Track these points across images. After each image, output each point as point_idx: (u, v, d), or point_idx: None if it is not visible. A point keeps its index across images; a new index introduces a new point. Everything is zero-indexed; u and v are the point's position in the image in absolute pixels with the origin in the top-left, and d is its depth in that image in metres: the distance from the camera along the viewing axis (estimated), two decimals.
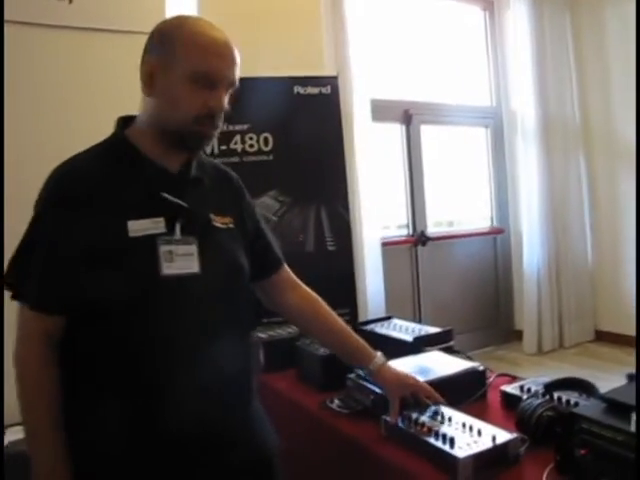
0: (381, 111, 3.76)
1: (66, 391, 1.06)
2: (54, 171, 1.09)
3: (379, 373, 1.32)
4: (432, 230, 4.33)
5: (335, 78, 3.09)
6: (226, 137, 2.94)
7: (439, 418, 1.19)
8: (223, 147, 2.95)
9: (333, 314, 1.37)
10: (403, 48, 4.15)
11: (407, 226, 4.31)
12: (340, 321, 1.37)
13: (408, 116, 4.10)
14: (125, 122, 1.15)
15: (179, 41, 1.05)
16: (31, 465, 1.05)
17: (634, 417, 0.93)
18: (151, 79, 1.07)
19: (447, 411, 1.22)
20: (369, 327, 1.98)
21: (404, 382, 1.30)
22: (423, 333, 1.78)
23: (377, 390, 1.35)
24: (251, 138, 2.99)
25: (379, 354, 1.35)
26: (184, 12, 2.73)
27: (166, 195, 1.09)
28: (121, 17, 2.64)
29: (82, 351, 1.06)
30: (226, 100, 1.10)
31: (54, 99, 2.56)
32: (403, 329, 1.88)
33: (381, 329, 1.93)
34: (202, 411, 1.07)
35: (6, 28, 2.34)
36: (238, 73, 1.10)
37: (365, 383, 1.40)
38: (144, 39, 1.13)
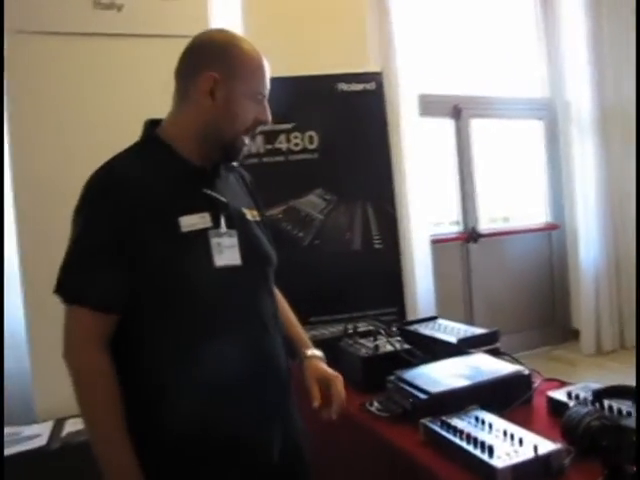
0: (429, 106, 3.69)
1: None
2: (94, 174, 1.13)
3: (307, 363, 1.32)
4: (484, 227, 4.22)
5: (379, 74, 3.04)
6: (271, 136, 2.95)
7: (480, 425, 1.15)
8: (268, 146, 2.96)
9: (288, 309, 1.44)
10: (451, 40, 4.05)
11: (458, 223, 4.22)
12: (291, 315, 1.43)
13: (457, 110, 4.01)
14: (152, 124, 1.21)
15: (239, 61, 1.16)
16: (102, 468, 1.06)
17: None
18: (212, 91, 1.14)
19: (488, 417, 1.18)
20: (413, 327, 1.95)
21: (324, 373, 1.29)
22: (468, 334, 1.73)
23: (418, 394, 1.32)
24: (296, 137, 2.99)
25: (316, 351, 1.36)
26: (228, 14, 2.76)
27: (208, 191, 1.16)
28: (167, 22, 2.68)
29: (130, 347, 1.10)
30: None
31: (106, 104, 2.64)
32: (448, 330, 1.84)
33: (425, 329, 1.89)
34: (250, 397, 1.12)
35: (58, 39, 2.45)
36: None
37: (405, 386, 1.38)
38: (187, 42, 1.19)
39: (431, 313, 3.48)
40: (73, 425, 2.34)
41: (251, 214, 1.26)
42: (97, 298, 1.05)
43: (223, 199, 1.17)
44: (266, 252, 1.25)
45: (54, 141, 2.53)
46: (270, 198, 2.96)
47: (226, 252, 1.13)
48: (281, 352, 1.23)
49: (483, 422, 1.16)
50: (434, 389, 1.31)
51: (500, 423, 1.15)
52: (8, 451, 2.15)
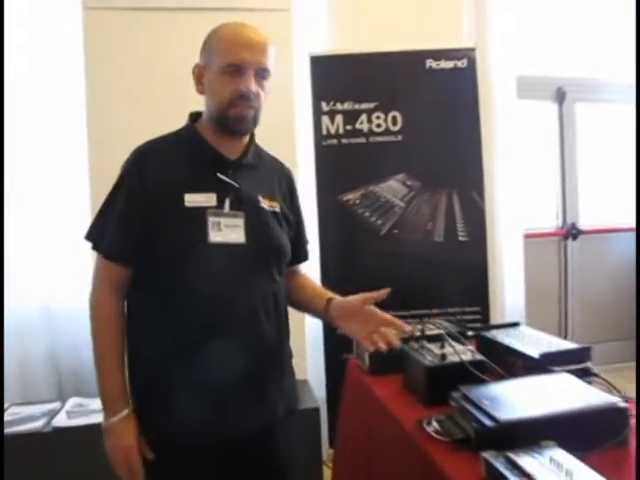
0: (529, 87, 3.37)
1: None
2: (134, 150, 1.29)
3: (334, 303, 1.36)
4: (585, 222, 3.84)
5: (472, 50, 2.77)
6: (351, 116, 2.79)
7: (555, 468, 0.94)
8: (348, 127, 2.80)
9: (314, 282, 1.55)
10: (556, 14, 3.64)
11: (556, 217, 3.87)
12: (317, 284, 1.55)
13: (561, 93, 3.64)
14: (195, 117, 1.35)
15: (213, 43, 1.27)
16: (98, 387, 1.24)
17: None
18: (200, 80, 1.29)
19: (567, 460, 0.95)
20: (492, 334, 1.72)
21: (364, 320, 1.31)
22: (554, 349, 1.48)
23: (483, 420, 1.12)
24: (378, 117, 2.80)
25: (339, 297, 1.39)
26: None
27: (220, 175, 1.27)
28: None
29: (141, 300, 1.27)
30: (261, 84, 1.26)
31: (182, 80, 2.58)
32: (531, 341, 1.59)
33: (504, 338, 1.66)
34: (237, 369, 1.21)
35: (130, 14, 2.43)
36: (267, 60, 1.25)
37: (470, 407, 1.18)
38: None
39: (519, 315, 3.20)
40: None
41: (269, 204, 1.33)
42: (109, 249, 1.24)
43: (235, 184, 1.28)
44: (272, 238, 1.32)
45: (129, 122, 2.51)
46: (348, 182, 2.82)
47: (226, 231, 1.23)
48: (267, 332, 1.28)
49: (559, 466, 0.94)
50: (504, 415, 1.10)
51: (581, 470, 0.92)
52: (75, 422, 2.33)
